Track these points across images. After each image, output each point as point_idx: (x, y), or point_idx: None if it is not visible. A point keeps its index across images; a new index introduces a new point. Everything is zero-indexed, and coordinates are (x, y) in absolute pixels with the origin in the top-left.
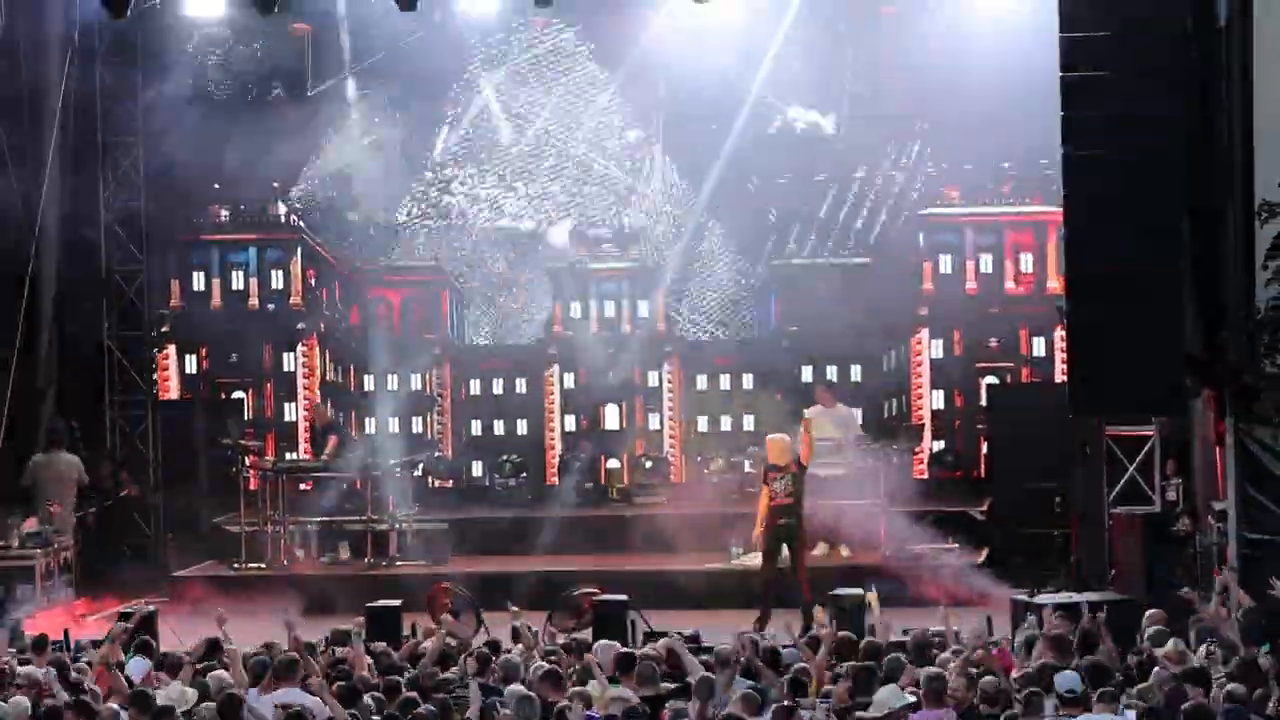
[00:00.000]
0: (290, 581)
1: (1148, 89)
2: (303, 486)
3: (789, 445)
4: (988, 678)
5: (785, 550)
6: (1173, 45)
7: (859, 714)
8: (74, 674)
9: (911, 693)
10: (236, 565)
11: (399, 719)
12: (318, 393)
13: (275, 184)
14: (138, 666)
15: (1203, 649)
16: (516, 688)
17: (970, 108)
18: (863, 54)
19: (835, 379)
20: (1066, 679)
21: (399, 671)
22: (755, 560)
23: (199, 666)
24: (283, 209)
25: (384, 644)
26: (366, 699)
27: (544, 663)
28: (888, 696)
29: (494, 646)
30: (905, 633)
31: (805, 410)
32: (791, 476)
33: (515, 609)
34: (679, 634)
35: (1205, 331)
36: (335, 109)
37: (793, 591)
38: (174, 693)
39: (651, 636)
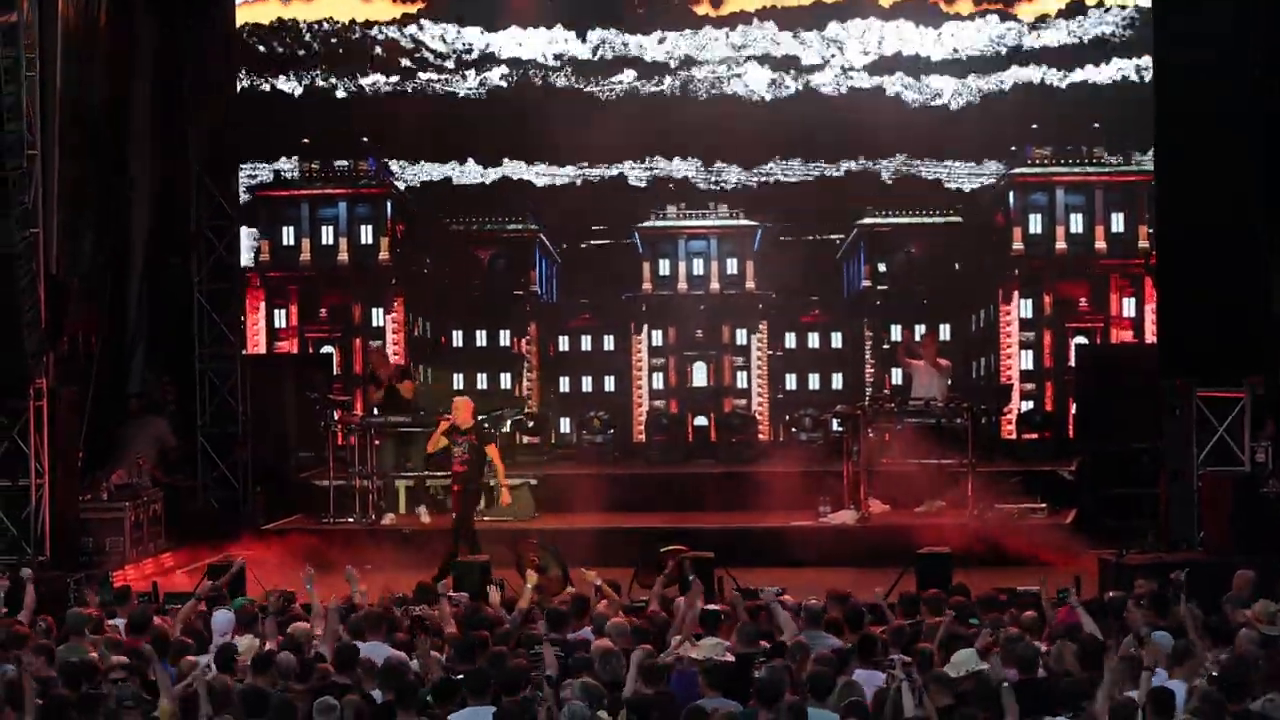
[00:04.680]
0: (378, 536)
1: (1238, 46)
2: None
3: (474, 410)
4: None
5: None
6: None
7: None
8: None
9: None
10: (325, 519)
11: (489, 674)
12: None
13: (365, 139)
14: (222, 619)
15: None
16: (602, 643)
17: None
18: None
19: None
20: (1160, 640)
21: (489, 626)
22: (845, 517)
23: (279, 620)
24: (373, 164)
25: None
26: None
27: (630, 619)
28: (965, 659)
29: (580, 603)
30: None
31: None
32: (469, 445)
33: (590, 573)
34: (773, 591)
35: None
36: None
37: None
38: (244, 645)
39: (744, 594)
